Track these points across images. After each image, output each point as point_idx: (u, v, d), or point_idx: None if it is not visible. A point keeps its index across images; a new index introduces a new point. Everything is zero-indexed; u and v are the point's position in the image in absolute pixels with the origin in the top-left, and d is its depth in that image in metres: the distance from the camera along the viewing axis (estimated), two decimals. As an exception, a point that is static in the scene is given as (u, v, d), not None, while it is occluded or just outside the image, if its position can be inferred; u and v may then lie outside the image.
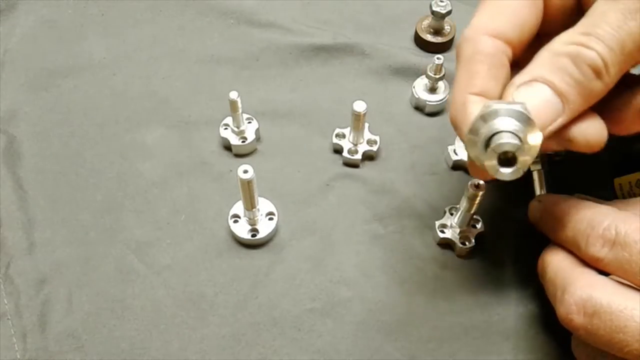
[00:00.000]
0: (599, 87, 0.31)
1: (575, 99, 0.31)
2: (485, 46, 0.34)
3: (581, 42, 0.30)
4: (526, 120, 0.29)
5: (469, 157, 0.34)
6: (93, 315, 0.42)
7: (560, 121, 0.31)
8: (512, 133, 0.28)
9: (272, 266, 0.44)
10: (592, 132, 0.32)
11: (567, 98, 0.31)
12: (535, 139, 0.29)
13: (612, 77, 0.31)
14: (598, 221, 0.33)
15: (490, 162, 0.29)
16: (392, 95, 0.54)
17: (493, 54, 0.34)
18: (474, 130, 0.30)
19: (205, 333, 0.42)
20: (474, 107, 0.32)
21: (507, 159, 0.29)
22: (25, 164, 0.49)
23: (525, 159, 0.29)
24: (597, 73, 0.30)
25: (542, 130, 0.30)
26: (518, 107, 0.29)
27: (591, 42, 0.30)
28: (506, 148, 0.28)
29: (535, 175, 0.47)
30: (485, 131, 0.29)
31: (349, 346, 0.41)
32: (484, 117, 0.29)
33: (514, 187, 0.48)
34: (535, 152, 0.29)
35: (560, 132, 0.32)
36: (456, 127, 0.35)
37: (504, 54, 0.34)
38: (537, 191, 0.46)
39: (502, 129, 0.29)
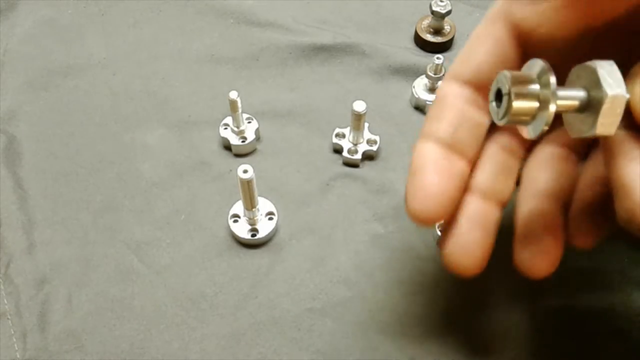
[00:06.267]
0: None
1: None
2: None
3: None
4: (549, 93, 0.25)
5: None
6: (93, 315, 0.42)
7: None
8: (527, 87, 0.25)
9: (272, 266, 0.44)
10: None
11: None
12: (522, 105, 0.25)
13: None
14: None
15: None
16: (392, 95, 0.54)
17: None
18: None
19: (205, 333, 0.42)
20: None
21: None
22: (25, 164, 0.49)
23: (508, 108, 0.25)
24: None
25: None
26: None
27: None
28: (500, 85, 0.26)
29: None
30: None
31: (349, 346, 0.41)
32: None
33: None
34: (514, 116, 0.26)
35: None
36: None
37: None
38: None
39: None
